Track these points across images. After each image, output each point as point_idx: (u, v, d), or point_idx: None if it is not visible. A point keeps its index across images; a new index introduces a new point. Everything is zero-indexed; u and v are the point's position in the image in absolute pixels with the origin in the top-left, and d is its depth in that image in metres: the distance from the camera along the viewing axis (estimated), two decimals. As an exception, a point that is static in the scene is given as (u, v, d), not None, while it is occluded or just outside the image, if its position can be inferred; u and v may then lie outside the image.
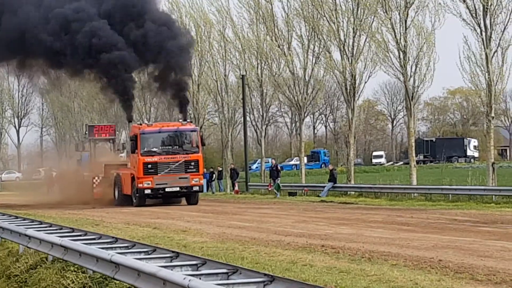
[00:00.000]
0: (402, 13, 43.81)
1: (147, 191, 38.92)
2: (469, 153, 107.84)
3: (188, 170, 39.28)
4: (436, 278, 13.66)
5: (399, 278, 13.56)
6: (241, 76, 59.59)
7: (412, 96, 45.55)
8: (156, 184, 38.70)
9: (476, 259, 16.25)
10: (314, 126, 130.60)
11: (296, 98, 56.05)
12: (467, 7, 37.88)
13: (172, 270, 11.13)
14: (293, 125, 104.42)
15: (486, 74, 38.01)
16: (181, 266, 11.96)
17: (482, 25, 37.77)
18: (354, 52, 49.02)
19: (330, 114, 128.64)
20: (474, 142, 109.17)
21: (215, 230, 24.70)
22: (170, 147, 40.06)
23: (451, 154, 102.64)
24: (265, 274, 10.19)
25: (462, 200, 37.15)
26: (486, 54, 37.79)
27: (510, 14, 37.63)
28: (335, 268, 15.05)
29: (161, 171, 38.73)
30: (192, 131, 41.28)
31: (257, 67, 61.25)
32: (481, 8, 37.53)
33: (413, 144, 47.15)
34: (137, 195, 39.41)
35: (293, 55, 56.37)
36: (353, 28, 48.94)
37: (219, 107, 66.80)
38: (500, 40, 38.03)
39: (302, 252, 17.78)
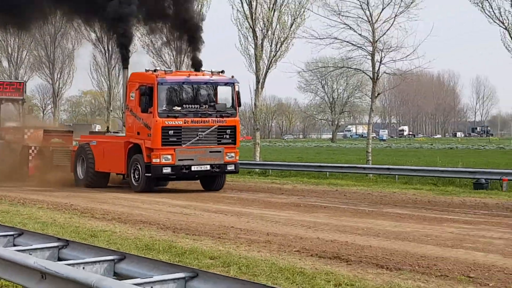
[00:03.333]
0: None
1: (166, 170, 18.76)
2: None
3: (223, 141, 19.69)
4: (68, 216, 14.12)
5: (43, 216, 13.87)
6: None
7: (57, 94, 51.02)
8: (179, 160, 18.88)
9: (96, 204, 16.65)
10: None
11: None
12: (97, 36, 40.27)
13: None
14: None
15: (108, 81, 40.47)
16: None
17: (106, 48, 39.43)
18: (18, 62, 51.40)
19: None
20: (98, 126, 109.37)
21: None
22: (197, 106, 19.41)
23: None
24: None
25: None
26: (108, 68, 40.26)
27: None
28: (-1, 209, 15.08)
29: (186, 141, 19.01)
30: (228, 83, 20.18)
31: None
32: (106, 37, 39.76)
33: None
34: (147, 174, 18.89)
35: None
36: (18, 45, 51.52)
37: None
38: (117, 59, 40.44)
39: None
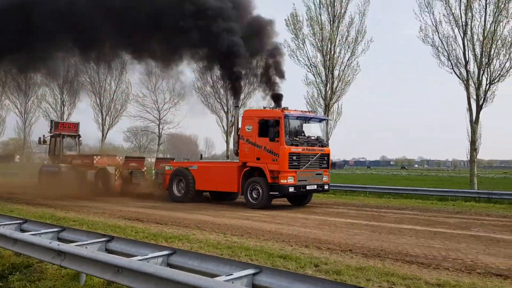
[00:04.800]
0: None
1: (291, 189, 16.66)
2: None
3: (322, 166, 17.61)
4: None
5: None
6: None
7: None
8: (299, 181, 16.77)
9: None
10: None
11: None
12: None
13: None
14: None
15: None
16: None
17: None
18: None
19: None
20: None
21: None
22: (306, 137, 17.49)
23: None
24: None
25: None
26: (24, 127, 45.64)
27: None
28: None
29: (302, 165, 16.89)
30: (323, 120, 18.51)
31: None
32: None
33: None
34: (272, 193, 16.62)
35: None
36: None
37: None
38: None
39: None
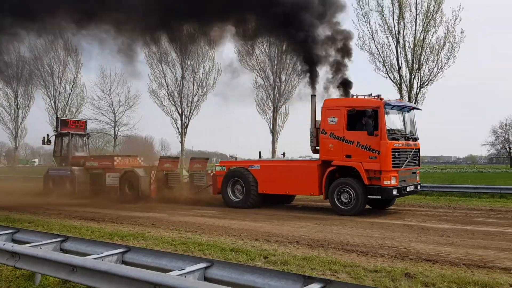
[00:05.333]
0: None
1: (395, 192, 12.52)
2: None
3: (416, 163, 13.70)
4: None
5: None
6: None
7: None
8: (400, 181, 12.75)
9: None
10: None
11: None
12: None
13: None
14: None
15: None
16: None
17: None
18: None
19: None
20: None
21: None
22: (401, 130, 13.35)
23: None
24: None
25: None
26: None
27: None
28: None
29: (402, 163, 12.88)
30: (414, 109, 14.21)
31: None
32: None
33: None
34: (372, 197, 12.67)
35: None
36: None
37: None
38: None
39: None
